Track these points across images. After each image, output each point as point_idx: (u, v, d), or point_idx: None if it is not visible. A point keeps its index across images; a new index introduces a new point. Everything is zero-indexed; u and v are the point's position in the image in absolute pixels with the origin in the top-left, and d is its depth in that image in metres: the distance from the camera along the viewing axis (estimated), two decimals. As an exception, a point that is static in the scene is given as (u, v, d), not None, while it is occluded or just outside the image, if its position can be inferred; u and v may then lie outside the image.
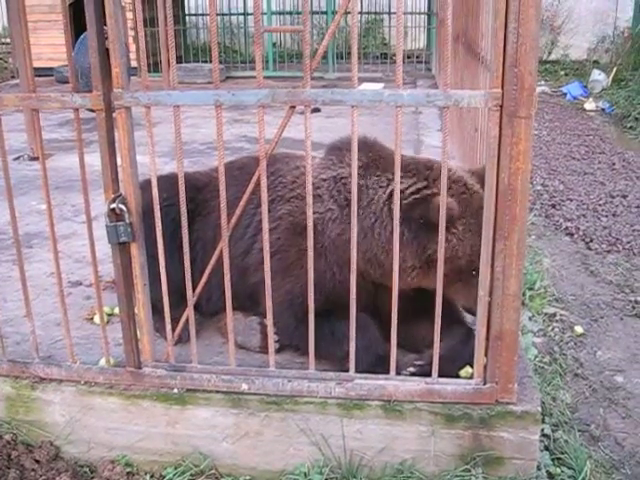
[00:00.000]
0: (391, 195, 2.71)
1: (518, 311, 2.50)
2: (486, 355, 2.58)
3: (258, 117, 2.45)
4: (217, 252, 2.71)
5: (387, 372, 2.66)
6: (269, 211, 2.66)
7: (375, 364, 2.73)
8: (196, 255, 2.98)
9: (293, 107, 2.49)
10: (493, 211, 2.41)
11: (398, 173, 2.43)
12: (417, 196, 2.71)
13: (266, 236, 2.58)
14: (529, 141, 2.31)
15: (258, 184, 2.58)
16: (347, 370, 2.68)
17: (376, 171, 2.83)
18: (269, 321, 2.67)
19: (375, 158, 2.85)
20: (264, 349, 2.84)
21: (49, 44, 12.04)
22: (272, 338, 2.72)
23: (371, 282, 2.88)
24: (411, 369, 2.72)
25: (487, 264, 2.45)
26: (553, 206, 6.71)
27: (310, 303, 2.57)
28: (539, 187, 7.24)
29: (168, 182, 2.85)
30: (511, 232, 2.40)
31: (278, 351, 2.89)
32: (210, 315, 3.20)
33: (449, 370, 2.69)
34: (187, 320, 2.74)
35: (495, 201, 2.40)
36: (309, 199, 2.51)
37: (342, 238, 2.81)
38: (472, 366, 2.64)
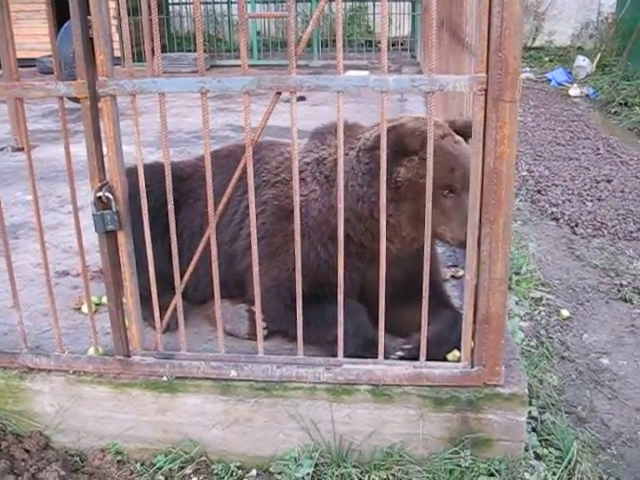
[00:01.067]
0: (359, 151, 2.80)
1: (505, 295, 2.52)
2: (473, 338, 2.60)
3: (244, 104, 2.44)
4: (204, 239, 2.73)
5: (376, 356, 2.67)
6: (256, 197, 2.67)
7: (364, 348, 2.75)
8: (182, 244, 2.98)
9: (279, 93, 2.49)
10: (479, 195, 2.42)
11: (384, 143, 2.44)
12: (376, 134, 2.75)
13: (253, 221, 2.59)
14: (514, 125, 2.33)
15: (244, 171, 2.59)
16: (336, 355, 2.69)
17: (350, 144, 2.87)
18: (257, 307, 2.68)
19: (351, 135, 2.90)
20: (253, 336, 2.86)
21: (31, 34, 11.96)
22: (260, 325, 2.72)
23: (358, 259, 2.89)
24: (399, 353, 2.73)
25: (473, 248, 2.47)
26: (539, 191, 6.74)
27: (298, 288, 2.58)
28: (524, 173, 7.29)
29: (151, 171, 2.84)
30: (497, 216, 2.41)
31: (267, 337, 2.89)
32: (198, 303, 3.21)
33: (437, 354, 2.70)
34: (175, 308, 2.76)
35: (481, 185, 2.41)
36: (295, 185, 2.52)
37: (323, 214, 2.88)
38: (460, 349, 2.65)
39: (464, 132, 2.74)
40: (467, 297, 2.55)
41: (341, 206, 2.51)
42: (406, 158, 2.69)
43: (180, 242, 2.86)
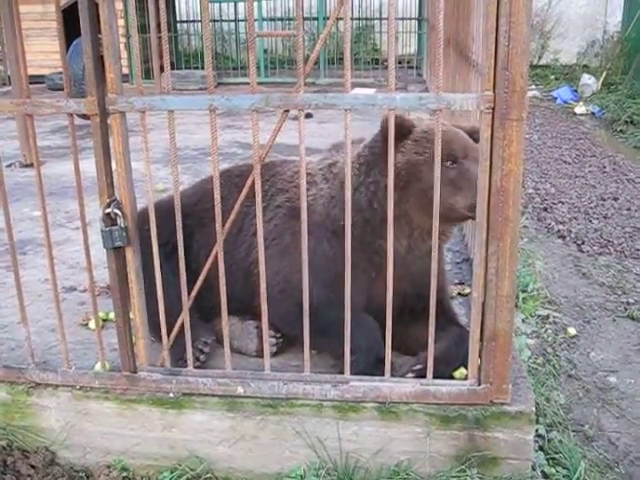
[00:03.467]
0: (361, 149, 2.89)
1: (512, 312, 2.51)
2: (480, 356, 2.59)
3: (252, 121, 2.45)
4: (217, 257, 2.71)
5: (383, 374, 2.67)
6: (268, 204, 2.89)
7: (374, 366, 2.74)
8: (200, 264, 2.95)
9: (287, 111, 2.50)
10: (486, 213, 2.43)
11: (391, 157, 2.46)
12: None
13: (261, 240, 2.59)
14: (521, 143, 2.34)
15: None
16: (342, 367, 2.69)
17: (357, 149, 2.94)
18: (264, 323, 2.67)
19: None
20: (261, 353, 2.84)
21: (40, 51, 12.03)
22: (267, 341, 2.72)
23: (364, 260, 2.85)
24: (410, 375, 2.73)
25: (481, 265, 2.47)
26: (545, 209, 6.73)
27: (305, 292, 2.58)
28: (531, 190, 7.28)
29: (159, 209, 2.77)
30: (504, 234, 2.41)
31: (274, 355, 2.90)
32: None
33: (444, 371, 2.70)
34: (199, 344, 2.84)
35: (488, 203, 2.42)
36: (303, 189, 2.52)
37: (325, 207, 2.91)
38: (466, 367, 2.64)
39: (471, 137, 2.78)
40: (474, 314, 2.54)
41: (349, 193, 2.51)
42: (399, 144, 2.70)
43: (197, 264, 2.92)
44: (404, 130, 2.71)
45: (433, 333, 2.55)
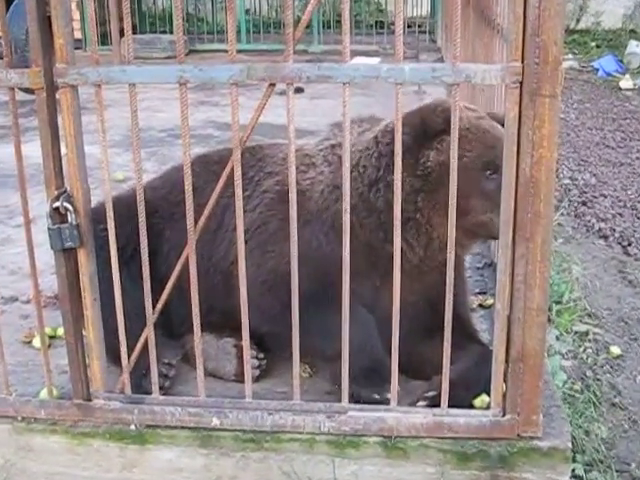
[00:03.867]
0: (378, 132, 2.94)
1: (543, 328, 2.51)
2: (505, 381, 2.58)
3: (231, 97, 2.43)
4: (187, 259, 2.70)
5: (382, 383, 2.69)
6: (253, 191, 2.98)
7: (369, 370, 2.77)
8: (171, 268, 2.89)
9: (273, 85, 2.48)
10: (512, 208, 2.42)
11: (399, 143, 2.45)
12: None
13: (241, 234, 2.59)
14: (554, 124, 2.34)
15: (242, 178, 2.60)
16: (337, 376, 2.68)
17: (368, 130, 3.02)
18: (244, 339, 2.66)
19: (371, 124, 3.06)
20: (241, 377, 2.83)
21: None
22: (249, 362, 2.71)
23: (368, 265, 2.90)
24: (422, 403, 2.73)
25: (506, 272, 2.47)
26: (584, 203, 6.70)
27: (294, 283, 2.58)
28: (567, 181, 7.25)
29: (119, 204, 2.82)
30: (534, 233, 2.41)
31: (257, 379, 2.90)
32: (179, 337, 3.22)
33: (462, 399, 2.71)
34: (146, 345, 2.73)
35: (515, 196, 2.41)
36: (292, 195, 2.51)
37: (325, 197, 2.96)
38: (489, 394, 2.64)
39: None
40: (498, 330, 2.54)
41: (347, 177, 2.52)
42: (436, 139, 2.77)
43: (167, 268, 2.90)
44: (438, 127, 2.76)
45: (449, 352, 2.54)
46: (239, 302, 2.66)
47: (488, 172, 2.74)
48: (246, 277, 2.60)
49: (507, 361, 2.55)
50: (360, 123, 3.09)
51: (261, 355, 2.99)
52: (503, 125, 2.65)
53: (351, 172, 2.63)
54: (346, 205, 2.52)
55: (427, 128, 2.78)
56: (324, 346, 2.80)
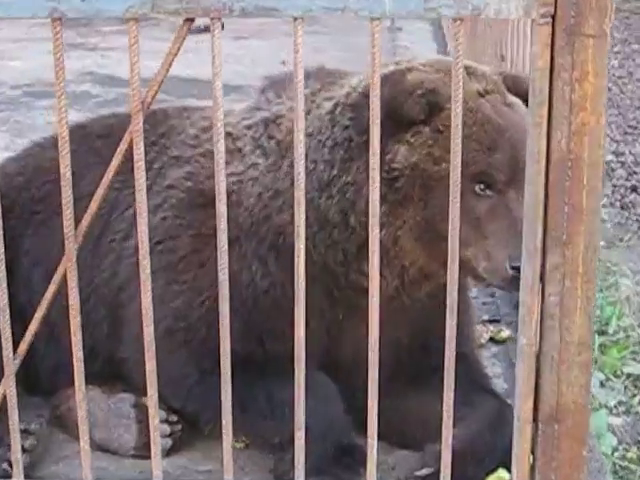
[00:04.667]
0: (337, 104, 2.61)
1: (588, 371, 2.24)
2: (533, 450, 2.26)
3: (129, 39, 2.11)
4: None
5: (355, 465, 2.54)
6: (154, 184, 2.67)
7: (334, 453, 2.57)
8: (33, 293, 2.69)
9: (189, 21, 2.18)
10: (542, 200, 2.12)
11: (376, 108, 2.06)
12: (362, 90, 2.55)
13: (145, 250, 2.13)
14: (602, 76, 2.03)
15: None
16: (287, 469, 2.51)
17: (328, 93, 2.68)
18: (150, 395, 2.21)
19: (331, 81, 2.73)
20: (144, 450, 2.58)
21: None
22: (157, 429, 2.25)
23: (324, 299, 2.67)
24: None
25: (532, 291, 2.16)
26: (634, 189, 6.02)
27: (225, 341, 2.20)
28: (609, 157, 6.58)
29: None
30: (574, 234, 2.13)
31: (169, 452, 2.66)
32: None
33: (470, 477, 2.49)
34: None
35: (545, 181, 2.11)
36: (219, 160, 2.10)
37: (264, 204, 2.67)
38: (509, 468, 2.34)
39: (518, 91, 2.55)
40: (523, 376, 2.24)
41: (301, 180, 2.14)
42: (409, 130, 2.47)
43: (28, 294, 2.72)
44: (415, 115, 2.44)
45: (451, 410, 2.19)
46: (133, 346, 2.53)
47: (479, 186, 2.45)
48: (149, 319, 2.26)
49: (535, 420, 2.25)
50: (320, 76, 2.76)
51: (174, 417, 2.67)
52: (526, 100, 2.35)
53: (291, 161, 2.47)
54: (300, 219, 2.12)
55: (399, 117, 2.45)
56: (264, 428, 2.61)
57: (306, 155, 2.39)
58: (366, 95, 2.31)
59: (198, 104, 2.93)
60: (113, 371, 2.77)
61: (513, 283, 2.26)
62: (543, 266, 2.16)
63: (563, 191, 2.09)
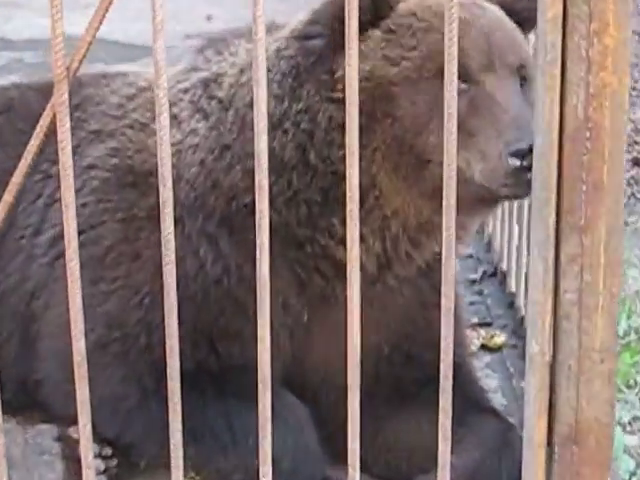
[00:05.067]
0: (283, 41, 2.52)
1: (611, 382, 2.11)
2: (547, 478, 2.14)
3: None
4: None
5: None
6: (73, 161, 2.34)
7: None
8: None
9: None
10: (554, 176, 1.97)
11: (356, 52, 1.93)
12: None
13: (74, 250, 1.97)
14: (626, 28, 1.89)
15: (48, 136, 2.05)
16: None
17: (273, 37, 2.54)
18: (82, 426, 2.00)
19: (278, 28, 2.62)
20: None
21: None
22: (91, 467, 2.02)
23: (293, 285, 2.50)
24: None
25: (544, 288, 2.02)
26: (636, 162, 5.67)
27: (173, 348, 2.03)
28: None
29: None
30: (594, 218, 1.99)
31: None
32: None
33: None
34: None
35: (559, 154, 1.96)
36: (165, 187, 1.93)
37: (207, 171, 2.50)
38: None
39: (520, 15, 2.47)
40: (533, 390, 2.11)
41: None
42: (359, 36, 2.32)
43: None
44: (375, 5, 2.31)
45: (449, 432, 2.00)
46: (51, 364, 2.42)
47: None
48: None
49: (550, 443, 2.13)
50: (273, 29, 2.56)
51: (108, 451, 2.49)
52: (509, 11, 2.50)
53: (241, 114, 2.42)
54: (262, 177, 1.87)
55: (344, 23, 2.35)
56: (221, 461, 2.43)
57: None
58: (312, 22, 2.33)
59: (118, 69, 2.80)
60: (28, 397, 2.56)
61: (521, 177, 2.08)
62: (557, 258, 2.02)
63: (580, 166, 1.95)
